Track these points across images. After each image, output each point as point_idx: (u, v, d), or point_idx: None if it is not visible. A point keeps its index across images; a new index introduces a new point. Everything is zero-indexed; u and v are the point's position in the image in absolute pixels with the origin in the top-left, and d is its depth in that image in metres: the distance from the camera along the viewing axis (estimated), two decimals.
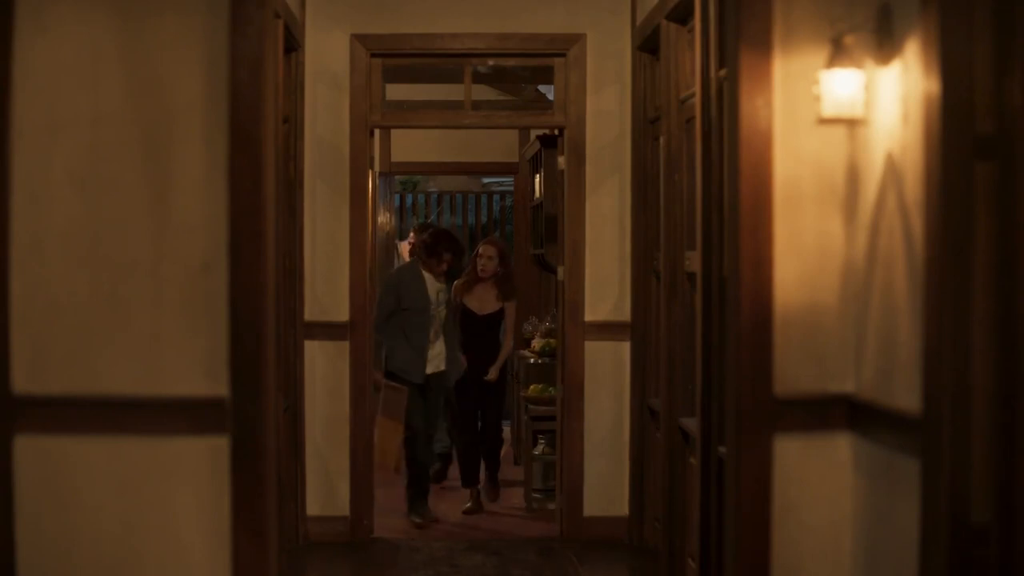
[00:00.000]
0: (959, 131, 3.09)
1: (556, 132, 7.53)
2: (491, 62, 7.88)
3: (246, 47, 3.73)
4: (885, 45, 3.51)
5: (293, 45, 6.61)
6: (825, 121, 3.72)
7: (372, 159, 7.58)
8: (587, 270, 7.08)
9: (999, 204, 3.05)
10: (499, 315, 8.18)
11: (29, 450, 3.76)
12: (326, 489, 6.99)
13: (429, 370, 7.74)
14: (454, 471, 8.48)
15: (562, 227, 7.24)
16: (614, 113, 7.03)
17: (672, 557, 5.86)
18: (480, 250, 8.22)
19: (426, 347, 7.73)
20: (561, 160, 7.33)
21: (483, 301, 8.13)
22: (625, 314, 7.00)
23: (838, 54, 3.63)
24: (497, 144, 11.29)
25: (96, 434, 3.78)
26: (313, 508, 6.96)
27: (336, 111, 7.00)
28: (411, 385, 7.69)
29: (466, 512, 7.86)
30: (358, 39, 6.99)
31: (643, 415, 6.85)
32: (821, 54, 3.69)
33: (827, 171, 3.82)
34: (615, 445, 7.04)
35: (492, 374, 8.07)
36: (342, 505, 7.03)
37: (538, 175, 9.47)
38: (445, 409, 8.25)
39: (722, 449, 4.39)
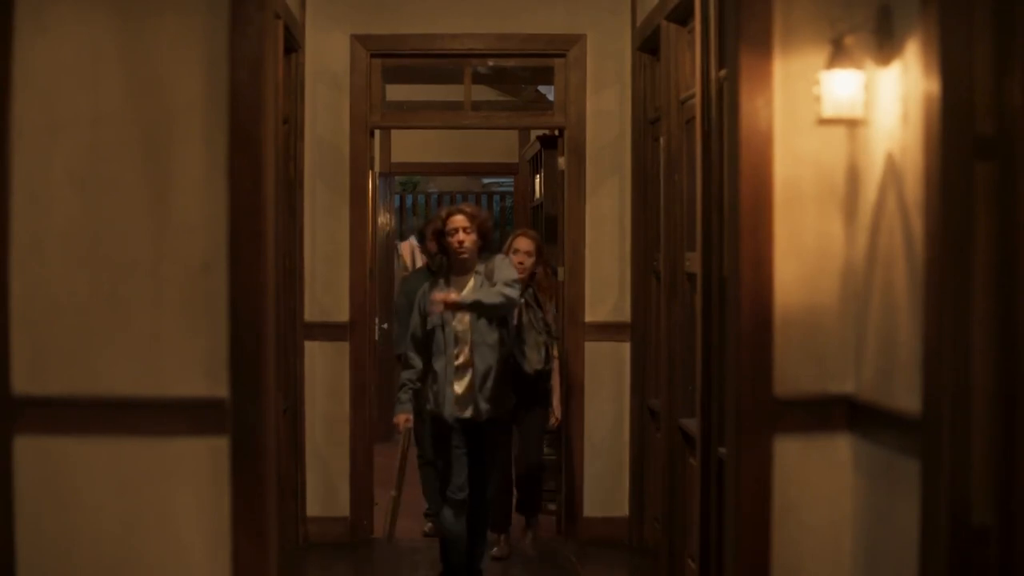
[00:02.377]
0: (959, 131, 3.09)
1: (556, 132, 7.54)
2: (491, 62, 7.89)
3: (246, 47, 3.73)
4: (885, 45, 3.51)
5: (293, 45, 6.61)
6: (825, 121, 3.72)
7: (372, 159, 7.58)
8: (587, 270, 7.08)
9: (999, 204, 3.05)
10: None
11: (29, 450, 3.75)
12: (326, 489, 6.99)
13: (462, 412, 5.81)
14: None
15: (562, 227, 7.24)
16: (614, 113, 7.03)
17: (672, 557, 5.86)
18: (514, 245, 6.76)
19: (449, 377, 5.78)
20: (561, 160, 7.33)
21: None
22: (625, 314, 7.00)
23: (838, 54, 3.62)
24: (497, 145, 11.30)
25: (96, 434, 3.78)
26: (313, 508, 6.96)
27: (336, 111, 7.00)
28: (441, 430, 5.91)
29: (495, 558, 6.71)
30: (358, 39, 7.00)
31: (643, 415, 6.85)
32: (821, 54, 3.69)
33: (827, 171, 3.81)
34: (615, 445, 7.04)
35: (554, 413, 6.74)
36: (342, 505, 7.03)
37: (538, 176, 9.47)
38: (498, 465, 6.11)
39: (722, 449, 4.38)
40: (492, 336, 5.80)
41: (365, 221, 7.09)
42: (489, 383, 5.78)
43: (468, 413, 5.79)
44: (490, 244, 5.98)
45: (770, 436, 3.77)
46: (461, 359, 5.79)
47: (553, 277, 6.94)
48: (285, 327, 6.37)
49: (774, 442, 3.78)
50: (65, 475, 3.77)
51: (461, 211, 5.83)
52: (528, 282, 6.55)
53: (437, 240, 5.86)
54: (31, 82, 3.74)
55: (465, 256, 5.80)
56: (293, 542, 6.68)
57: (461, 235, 5.78)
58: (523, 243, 6.73)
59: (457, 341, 5.78)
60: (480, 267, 5.83)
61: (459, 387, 5.79)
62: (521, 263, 6.57)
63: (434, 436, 5.98)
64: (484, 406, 5.78)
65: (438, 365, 5.79)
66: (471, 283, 5.81)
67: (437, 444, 5.94)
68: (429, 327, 5.83)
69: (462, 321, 5.77)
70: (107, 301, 3.77)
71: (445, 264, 5.92)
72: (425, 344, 5.87)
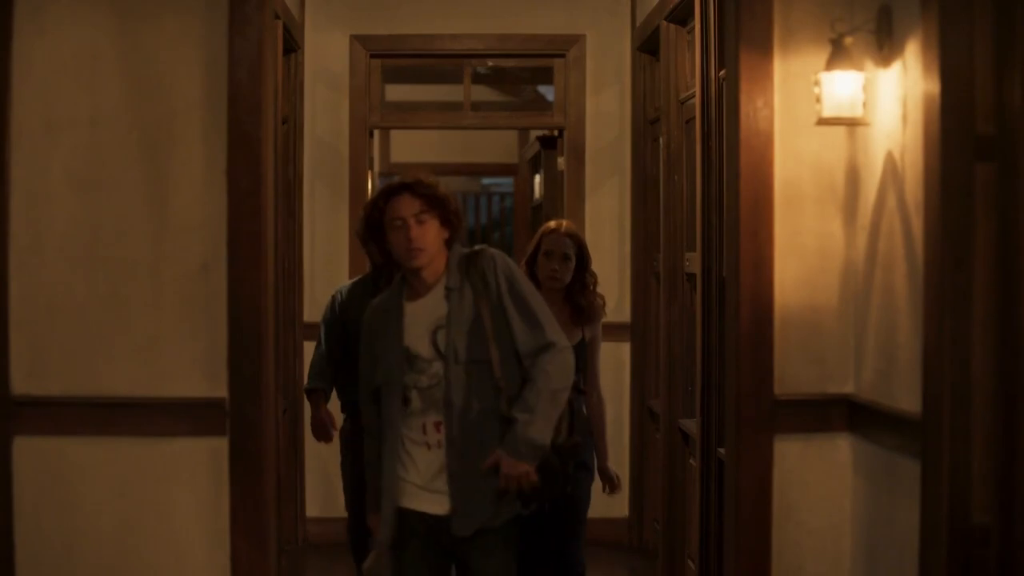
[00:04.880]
0: (959, 131, 3.09)
1: (556, 133, 7.53)
2: (491, 63, 7.89)
3: (245, 48, 3.73)
4: (885, 46, 3.51)
5: (292, 46, 6.61)
6: (825, 122, 3.72)
7: (371, 160, 7.57)
8: None
9: (999, 204, 3.04)
10: (578, 350, 4.17)
11: (28, 451, 3.75)
12: (326, 490, 6.98)
13: (425, 507, 3.47)
14: None
15: None
16: (614, 114, 7.02)
17: (672, 558, 5.85)
18: (545, 245, 4.52)
19: (395, 464, 3.50)
20: (561, 161, 7.32)
21: None
22: (625, 315, 6.99)
23: (838, 55, 3.62)
24: (497, 145, 11.30)
25: (95, 435, 3.78)
26: (313, 509, 6.95)
27: (335, 112, 7.00)
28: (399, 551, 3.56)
29: None
30: (357, 40, 6.99)
31: (643, 416, 6.85)
32: (821, 55, 3.69)
33: (827, 172, 3.81)
34: (615, 446, 6.96)
35: (613, 483, 4.78)
36: (342, 505, 7.00)
37: (538, 176, 9.48)
38: None
39: (722, 450, 4.38)
40: (485, 390, 3.45)
41: None
42: (475, 446, 3.44)
43: (439, 510, 3.46)
44: (461, 234, 3.60)
45: (770, 437, 3.77)
46: (426, 430, 3.47)
47: (597, 297, 4.62)
48: (285, 327, 6.37)
49: (774, 443, 3.78)
50: (65, 475, 3.77)
51: (407, 186, 3.49)
52: (566, 297, 4.51)
53: (373, 237, 3.56)
54: (30, 83, 3.75)
55: (421, 265, 3.46)
56: (293, 542, 6.67)
57: (412, 227, 3.43)
58: (558, 242, 4.49)
59: (426, 400, 3.46)
60: (451, 275, 3.49)
61: (418, 470, 3.48)
62: (555, 272, 4.47)
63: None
64: (470, 505, 3.44)
65: (388, 441, 3.51)
66: (442, 308, 3.47)
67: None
68: (376, 384, 3.56)
69: (429, 371, 3.45)
70: (107, 302, 3.78)
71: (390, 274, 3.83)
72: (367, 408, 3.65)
